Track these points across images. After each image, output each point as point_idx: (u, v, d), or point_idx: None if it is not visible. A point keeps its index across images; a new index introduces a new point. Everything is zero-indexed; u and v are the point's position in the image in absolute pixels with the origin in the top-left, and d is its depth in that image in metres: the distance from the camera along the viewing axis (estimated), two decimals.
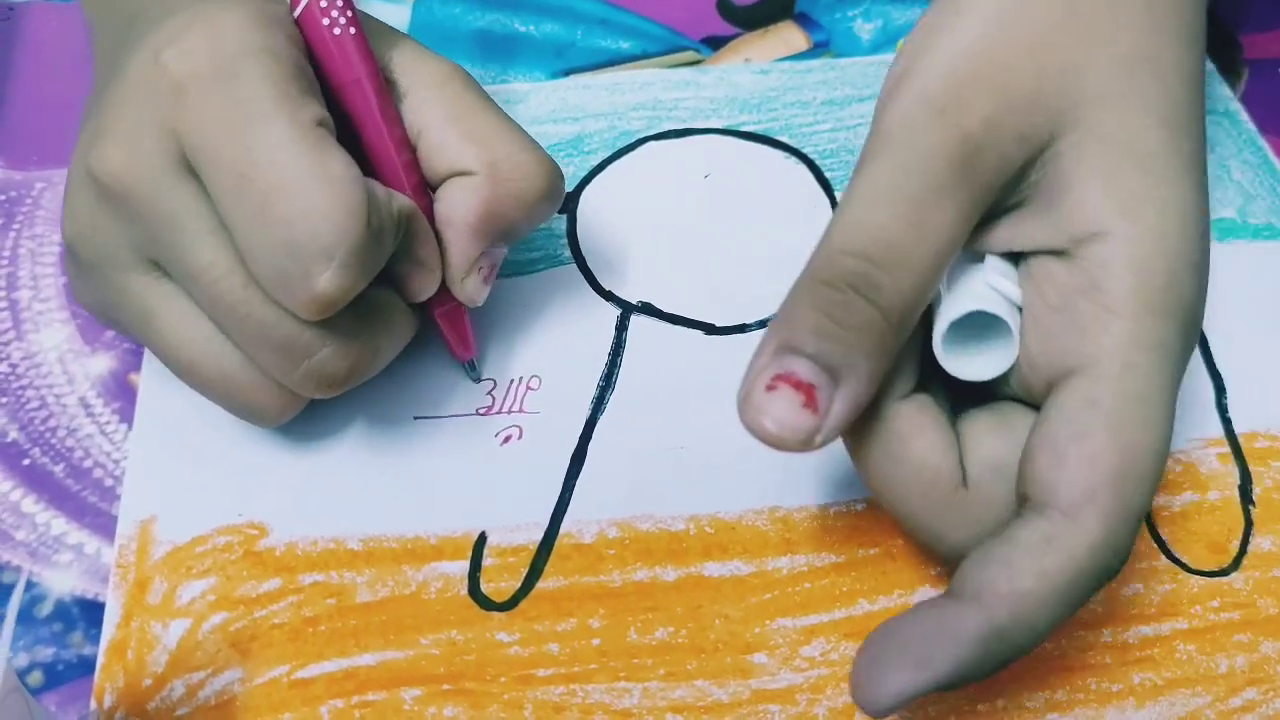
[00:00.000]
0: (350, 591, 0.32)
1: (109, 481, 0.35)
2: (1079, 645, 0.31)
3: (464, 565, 0.33)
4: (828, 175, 0.42)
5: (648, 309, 0.38)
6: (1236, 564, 0.33)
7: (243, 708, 0.30)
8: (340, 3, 0.31)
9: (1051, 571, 0.25)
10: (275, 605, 0.32)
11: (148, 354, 0.37)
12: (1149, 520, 0.33)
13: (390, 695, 0.31)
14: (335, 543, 0.33)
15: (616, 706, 0.30)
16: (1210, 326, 0.37)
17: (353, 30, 0.31)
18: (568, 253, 0.40)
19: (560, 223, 0.40)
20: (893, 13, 0.47)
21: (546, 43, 0.46)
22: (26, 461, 0.35)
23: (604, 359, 0.37)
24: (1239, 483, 0.34)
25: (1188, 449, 0.35)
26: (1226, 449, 0.35)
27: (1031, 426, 0.27)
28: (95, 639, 0.32)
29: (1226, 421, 0.35)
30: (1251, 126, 0.43)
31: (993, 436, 0.28)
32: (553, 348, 0.37)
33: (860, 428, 0.28)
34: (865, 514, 0.33)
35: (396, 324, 0.33)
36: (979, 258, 0.29)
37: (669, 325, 0.38)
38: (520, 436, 0.35)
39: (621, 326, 0.38)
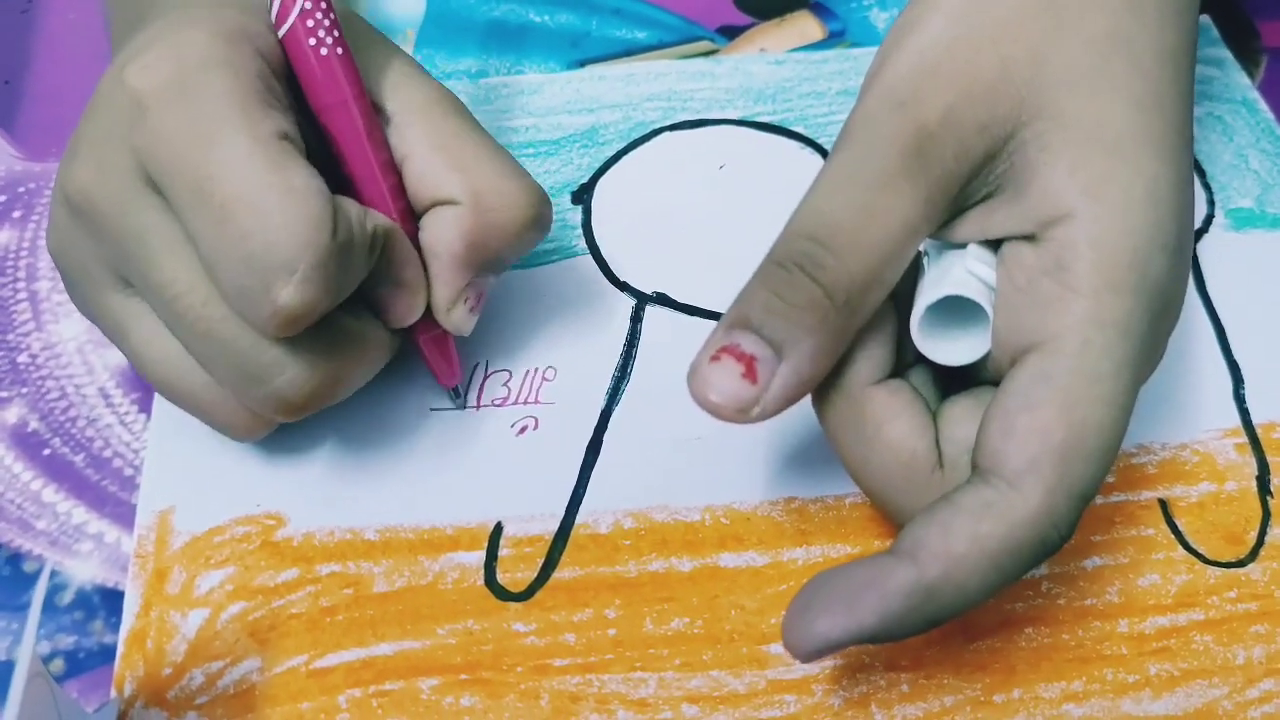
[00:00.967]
0: (367, 581, 0.32)
1: (129, 471, 0.35)
2: (1095, 636, 0.31)
3: (480, 556, 0.33)
4: None
5: (662, 299, 0.38)
6: (1254, 555, 0.33)
7: (261, 697, 0.31)
8: (326, 23, 0.30)
9: (986, 536, 0.26)
10: (293, 595, 0.32)
11: None
12: (1165, 511, 0.33)
13: (407, 684, 0.31)
14: (352, 533, 0.33)
15: (632, 696, 0.31)
16: (1228, 317, 0.37)
17: (339, 51, 0.31)
18: (582, 244, 0.40)
19: (575, 214, 0.40)
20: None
21: (561, 33, 0.46)
22: (47, 451, 0.36)
23: (619, 350, 0.37)
24: (1257, 473, 0.34)
25: (1205, 439, 0.35)
26: (1244, 440, 0.35)
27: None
28: (116, 627, 0.32)
29: (1244, 412, 0.35)
30: (1270, 115, 0.43)
31: (969, 420, 0.29)
32: (568, 339, 0.37)
33: (835, 412, 0.29)
34: (868, 499, 0.33)
35: (369, 353, 0.32)
36: (964, 247, 0.29)
37: (684, 316, 0.38)
38: (536, 427, 0.35)
39: (636, 317, 0.38)
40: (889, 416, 0.28)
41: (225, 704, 0.30)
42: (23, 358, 0.38)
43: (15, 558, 0.34)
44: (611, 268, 0.39)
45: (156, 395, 0.36)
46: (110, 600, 0.33)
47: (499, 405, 0.36)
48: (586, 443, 0.35)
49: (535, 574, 0.33)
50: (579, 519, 0.34)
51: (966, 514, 0.26)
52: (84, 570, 0.33)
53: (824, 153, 0.42)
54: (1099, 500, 0.33)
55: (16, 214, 0.41)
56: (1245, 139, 0.42)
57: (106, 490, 0.35)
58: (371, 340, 0.32)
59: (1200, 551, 0.33)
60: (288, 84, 0.31)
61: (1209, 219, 0.40)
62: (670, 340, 0.37)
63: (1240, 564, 0.32)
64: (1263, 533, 0.33)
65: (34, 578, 0.33)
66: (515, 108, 0.43)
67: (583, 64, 0.45)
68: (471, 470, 0.34)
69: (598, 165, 0.42)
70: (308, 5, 0.30)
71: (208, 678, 0.31)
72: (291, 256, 0.27)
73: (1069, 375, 0.26)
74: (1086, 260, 0.27)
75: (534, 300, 0.38)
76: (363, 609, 0.32)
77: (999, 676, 0.31)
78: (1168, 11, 0.29)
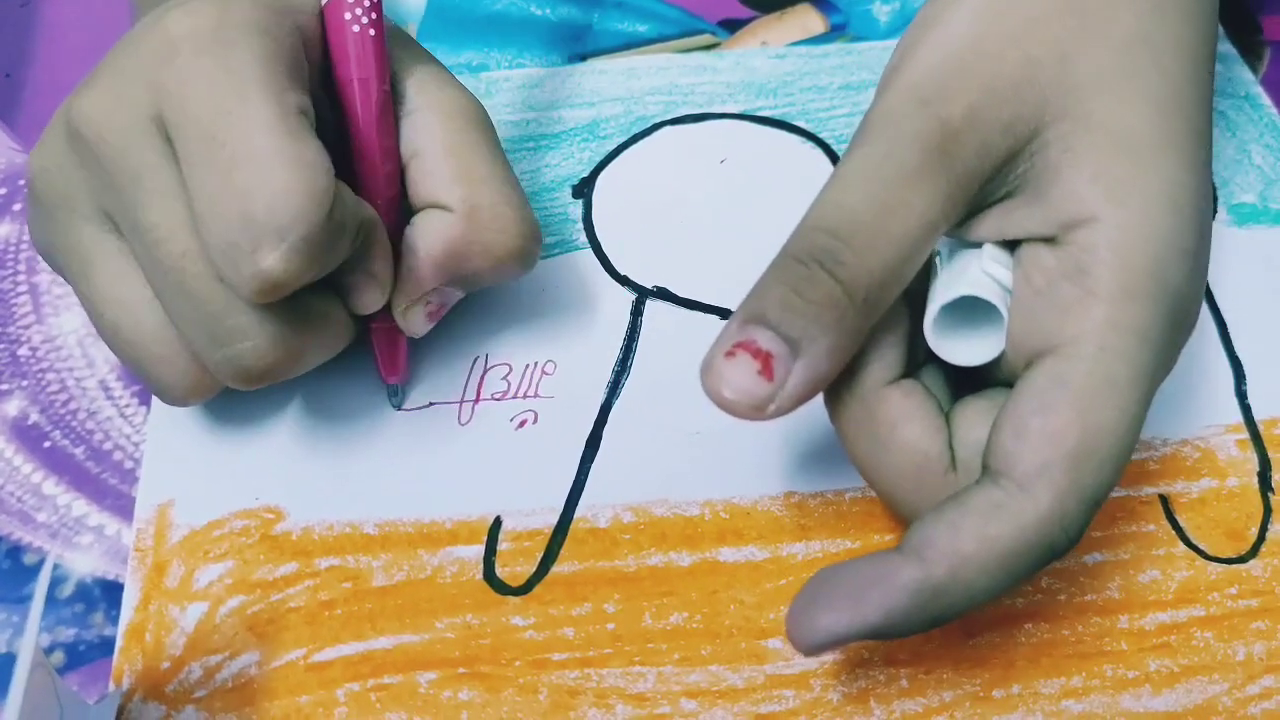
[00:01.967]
0: (366, 575, 0.32)
1: (129, 464, 0.35)
2: (1095, 631, 0.31)
3: (479, 550, 0.33)
4: None
5: (663, 294, 0.38)
6: (1255, 551, 0.33)
7: (260, 690, 0.31)
8: (368, 3, 0.31)
9: (994, 537, 0.26)
10: (292, 589, 0.32)
11: None
12: (1166, 507, 0.33)
13: (406, 678, 0.31)
14: (351, 527, 0.33)
15: (631, 690, 0.31)
16: (1230, 312, 0.37)
17: (372, 32, 0.31)
18: (583, 238, 0.40)
19: (576, 208, 0.40)
20: None
21: (562, 26, 0.46)
22: (47, 444, 0.36)
23: (619, 344, 0.37)
24: (1258, 469, 0.34)
25: (1206, 435, 0.35)
26: (1246, 435, 0.35)
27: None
28: (116, 620, 0.32)
29: (1246, 408, 0.35)
30: (1273, 110, 0.42)
31: (982, 422, 0.28)
32: (568, 332, 0.37)
33: (848, 413, 0.29)
34: (881, 500, 0.33)
35: (330, 333, 0.32)
36: (979, 246, 0.29)
37: (684, 310, 0.38)
38: (535, 421, 0.35)
39: (637, 311, 0.38)
40: (902, 418, 0.28)
41: (223, 697, 0.30)
42: (23, 350, 0.38)
43: (15, 550, 0.34)
44: (612, 262, 0.39)
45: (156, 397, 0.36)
46: (111, 593, 0.33)
47: (498, 399, 0.36)
48: (586, 437, 0.35)
49: (534, 568, 0.33)
50: (578, 513, 0.33)
51: (975, 514, 0.26)
52: (84, 563, 0.33)
53: (825, 147, 0.42)
54: None
55: (17, 207, 0.41)
56: (1248, 134, 0.42)
57: (107, 483, 0.35)
58: (334, 322, 0.32)
59: (1201, 548, 0.33)
60: (314, 66, 0.31)
61: (1211, 214, 0.40)
62: (671, 334, 0.37)
63: (1241, 560, 0.32)
64: (1264, 529, 0.33)
65: (34, 570, 0.33)
66: (517, 101, 0.43)
67: (584, 58, 0.45)
68: (471, 464, 0.34)
69: (599, 159, 0.42)
70: None
71: (206, 671, 0.31)
72: (286, 224, 0.27)
73: (1085, 380, 0.26)
74: (1107, 265, 0.26)
75: (534, 294, 0.38)
76: (361, 603, 0.32)
77: (998, 672, 0.31)
78: (1191, 12, 0.29)
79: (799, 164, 0.41)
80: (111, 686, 0.31)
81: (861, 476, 0.30)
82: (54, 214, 0.31)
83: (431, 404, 0.36)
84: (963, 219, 0.28)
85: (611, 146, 0.42)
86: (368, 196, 0.32)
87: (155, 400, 0.36)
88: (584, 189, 0.41)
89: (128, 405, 0.36)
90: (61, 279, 0.34)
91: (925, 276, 0.29)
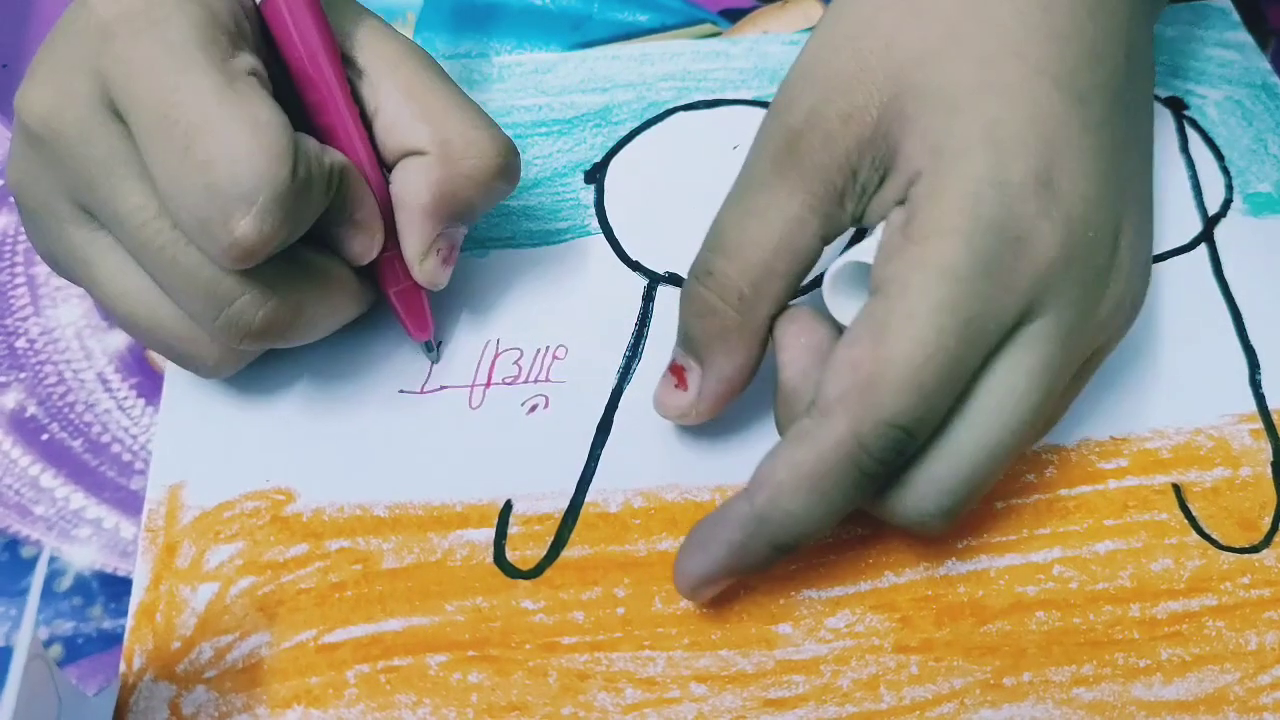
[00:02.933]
0: (376, 558, 0.32)
1: (127, 456, 0.35)
2: (1107, 620, 0.31)
3: (489, 533, 0.33)
4: None
5: (674, 279, 0.38)
6: (1268, 541, 0.32)
7: (270, 671, 0.31)
8: None
9: (799, 462, 0.28)
10: (302, 570, 0.32)
11: None
12: (1179, 496, 0.33)
13: (416, 661, 0.31)
14: (362, 509, 0.33)
15: (641, 675, 0.31)
16: (1245, 302, 0.37)
17: (309, 4, 0.31)
18: (595, 223, 0.39)
19: (588, 193, 0.40)
20: None
21: (563, 15, 0.46)
22: (45, 437, 0.36)
23: (631, 329, 0.37)
24: (1272, 459, 0.34)
25: (1220, 425, 0.34)
26: (1260, 425, 0.34)
27: None
28: (115, 613, 0.32)
29: (1260, 397, 0.35)
30: None
31: None
32: (579, 317, 0.37)
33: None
34: None
35: (332, 289, 0.33)
36: None
37: None
38: (546, 406, 0.35)
39: (648, 297, 0.38)
40: (787, 360, 0.31)
41: (234, 678, 0.31)
42: (21, 343, 0.37)
43: (13, 543, 0.34)
44: (624, 247, 0.39)
45: (168, 374, 0.36)
46: (109, 586, 0.33)
47: (510, 383, 0.36)
48: (597, 422, 0.35)
49: (544, 552, 0.33)
50: (589, 498, 0.33)
51: (788, 444, 0.28)
52: (83, 556, 0.33)
53: None
54: (1111, 484, 0.33)
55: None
56: (1265, 124, 0.42)
57: (105, 475, 0.35)
58: (335, 277, 0.33)
59: (1214, 537, 0.32)
60: (263, 32, 0.32)
61: (1227, 204, 0.39)
62: None
63: (1254, 550, 0.32)
64: (1277, 519, 0.33)
65: (32, 563, 0.33)
66: (529, 86, 0.43)
67: (584, 47, 0.45)
68: (482, 448, 0.34)
69: (611, 145, 0.42)
70: None
71: (217, 651, 0.31)
72: (252, 188, 0.28)
73: (884, 314, 0.28)
74: (923, 210, 0.28)
75: (546, 279, 0.38)
76: (372, 585, 0.32)
77: (1009, 659, 0.30)
78: None
79: None
80: (121, 667, 0.31)
81: None
82: (42, 222, 0.32)
83: (443, 387, 0.36)
84: (848, 209, 0.30)
85: (624, 132, 0.42)
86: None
87: (167, 382, 0.36)
88: (596, 174, 0.41)
89: (126, 398, 0.36)
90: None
91: None
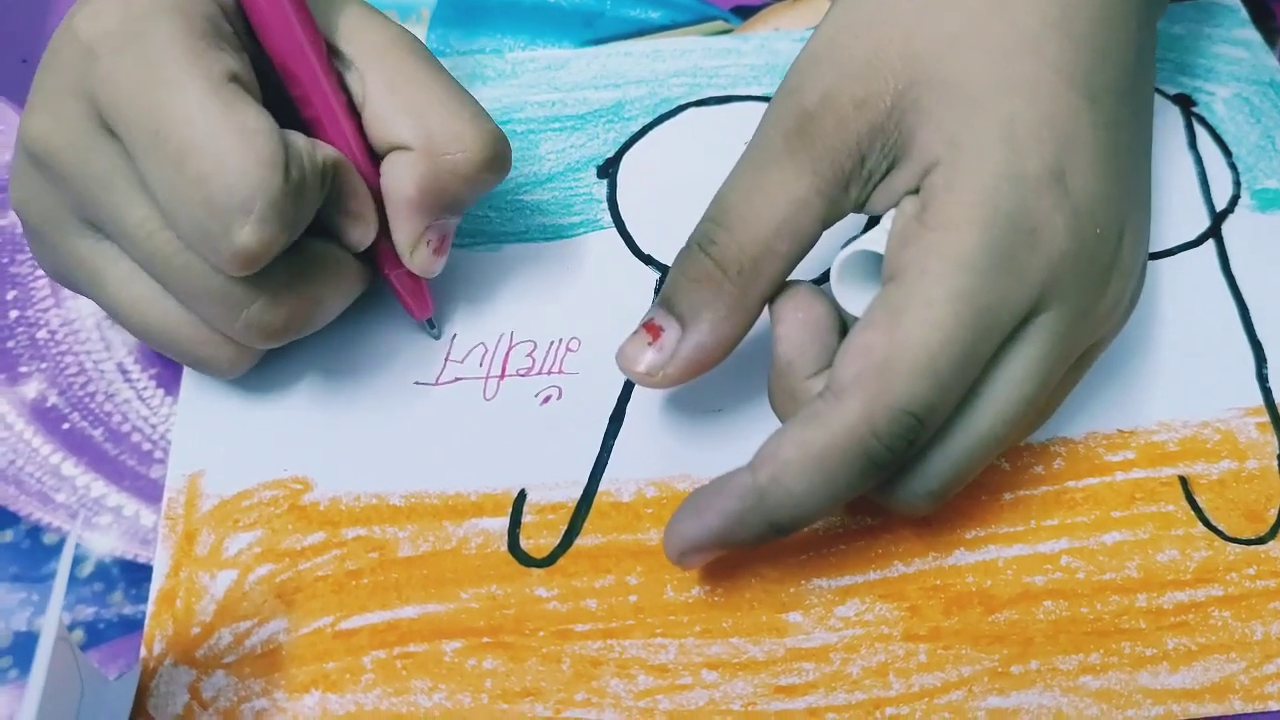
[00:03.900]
0: (393, 546, 0.33)
1: (147, 445, 0.35)
2: (1114, 610, 0.31)
3: (504, 522, 0.33)
4: None
5: None
6: (1274, 533, 0.33)
7: (288, 656, 0.31)
8: None
9: (808, 442, 0.28)
10: (319, 558, 0.33)
11: None
12: (1186, 488, 0.33)
13: (431, 647, 0.31)
14: (378, 498, 0.34)
15: (653, 661, 0.31)
16: (1252, 297, 0.37)
17: (292, 9, 0.31)
18: (608, 217, 0.40)
19: (601, 188, 0.41)
20: None
21: (575, 12, 0.46)
22: (66, 426, 0.36)
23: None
24: (1278, 452, 0.34)
25: (1227, 418, 0.35)
26: (1266, 419, 0.35)
27: None
28: (135, 599, 0.33)
29: (1266, 391, 0.35)
30: None
31: None
32: (592, 310, 0.37)
33: (779, 403, 0.31)
34: None
35: (341, 274, 0.33)
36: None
37: None
38: (560, 397, 0.36)
39: (660, 289, 0.38)
40: (783, 334, 0.31)
41: (252, 663, 0.31)
42: (42, 333, 0.38)
43: (36, 530, 0.34)
44: (636, 241, 0.39)
45: (188, 369, 0.36)
46: (130, 572, 0.33)
47: (523, 375, 0.36)
48: (610, 412, 0.35)
49: (558, 540, 0.33)
50: (602, 487, 0.34)
51: (798, 424, 0.28)
52: (103, 543, 0.34)
53: None
54: (1119, 476, 0.34)
55: None
56: (1273, 120, 0.42)
57: (125, 464, 0.35)
58: (343, 264, 0.33)
59: (1220, 528, 0.33)
60: (246, 28, 0.32)
61: (1235, 200, 0.40)
62: None
63: (1260, 541, 0.33)
64: None
65: (54, 550, 0.34)
66: (542, 82, 0.43)
67: (596, 44, 0.45)
68: (496, 438, 0.35)
69: (623, 140, 0.42)
70: None
71: (236, 637, 0.31)
72: (247, 197, 0.28)
73: (901, 300, 0.28)
74: (939, 200, 0.28)
75: (559, 272, 0.38)
76: (388, 572, 0.32)
77: (1017, 648, 0.31)
78: None
79: None
80: (142, 652, 0.31)
81: None
82: (48, 238, 0.32)
83: (458, 379, 0.36)
84: (852, 194, 0.30)
85: (636, 128, 0.42)
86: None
87: (186, 373, 0.36)
88: (609, 169, 0.41)
89: (145, 388, 0.37)
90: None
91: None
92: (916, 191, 0.29)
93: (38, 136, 0.30)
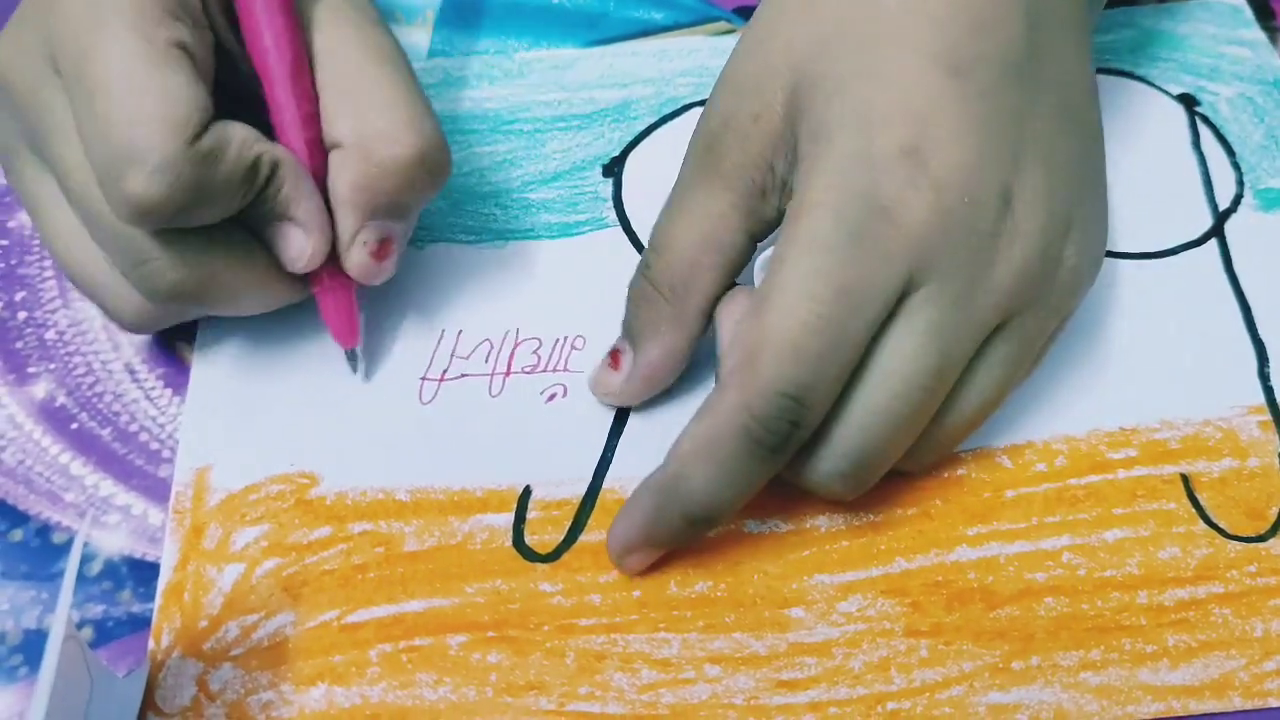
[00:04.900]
0: (398, 540, 0.33)
1: (155, 445, 0.36)
2: (1114, 606, 0.32)
3: (509, 518, 0.34)
4: None
5: None
6: (1275, 530, 0.33)
7: (294, 650, 0.31)
8: None
9: (699, 433, 0.30)
10: (326, 552, 0.33)
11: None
12: (1187, 485, 0.34)
13: (436, 641, 0.31)
14: (384, 493, 0.34)
15: (656, 656, 0.31)
16: (1255, 296, 0.37)
17: (281, 6, 0.32)
18: (613, 216, 0.40)
19: (606, 186, 0.41)
20: None
21: (579, 14, 0.46)
22: (75, 425, 0.36)
23: None
24: (1279, 450, 0.34)
25: (1229, 416, 0.35)
26: (1268, 417, 0.35)
27: None
28: (143, 597, 0.33)
29: (1268, 390, 0.35)
30: None
31: None
32: (597, 308, 0.38)
33: None
34: (903, 474, 0.33)
35: (257, 270, 0.33)
36: None
37: None
38: (565, 394, 0.36)
39: None
40: (724, 337, 0.32)
41: (259, 656, 0.31)
42: (50, 334, 0.38)
43: (45, 529, 0.34)
44: (641, 239, 0.39)
45: (195, 359, 0.37)
46: (138, 570, 0.33)
47: (529, 372, 0.36)
48: (614, 410, 0.35)
49: (562, 536, 0.33)
50: (606, 484, 0.34)
51: (694, 418, 0.30)
52: (112, 541, 0.34)
53: None
54: (1120, 474, 0.34)
55: None
56: (1276, 120, 0.42)
57: (133, 463, 0.35)
58: (258, 259, 0.33)
59: (1221, 526, 0.33)
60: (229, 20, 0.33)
61: (1238, 199, 0.40)
62: None
63: (1261, 539, 0.33)
64: None
65: (62, 549, 0.34)
66: (549, 82, 0.44)
67: (600, 44, 0.45)
68: (501, 435, 0.35)
69: (629, 139, 0.42)
70: None
71: (243, 630, 0.32)
72: (143, 149, 0.29)
73: (764, 289, 0.29)
74: (799, 190, 0.30)
75: (565, 270, 0.39)
76: (393, 567, 0.33)
77: (1018, 644, 0.31)
78: None
79: None
80: (150, 644, 0.32)
81: None
82: (9, 159, 0.34)
83: (464, 376, 0.36)
84: (771, 201, 0.32)
85: (642, 127, 0.42)
86: (285, 144, 0.32)
87: (194, 368, 0.37)
88: (614, 168, 0.41)
89: (153, 387, 0.37)
90: None
91: None
92: None
93: (1, 63, 0.32)
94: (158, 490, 0.35)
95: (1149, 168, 0.40)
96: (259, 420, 0.35)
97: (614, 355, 0.34)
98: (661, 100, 0.43)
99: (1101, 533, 0.33)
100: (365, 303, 0.36)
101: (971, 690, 0.30)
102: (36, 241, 0.40)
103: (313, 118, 0.33)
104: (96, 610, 0.33)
